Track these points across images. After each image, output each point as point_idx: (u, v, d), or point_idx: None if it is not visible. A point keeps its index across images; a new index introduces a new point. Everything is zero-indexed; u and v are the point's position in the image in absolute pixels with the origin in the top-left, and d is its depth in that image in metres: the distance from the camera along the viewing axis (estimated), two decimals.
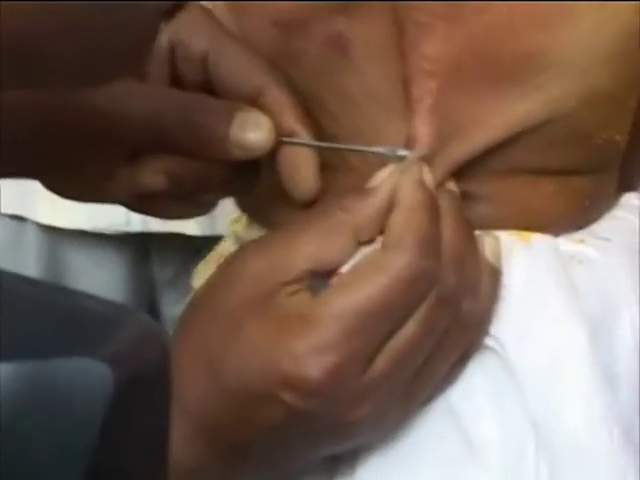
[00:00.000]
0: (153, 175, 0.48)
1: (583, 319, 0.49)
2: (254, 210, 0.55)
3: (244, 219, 0.56)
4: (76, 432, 0.24)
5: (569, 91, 0.47)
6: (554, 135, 0.49)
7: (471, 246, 0.47)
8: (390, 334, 0.45)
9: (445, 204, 0.47)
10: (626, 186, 0.54)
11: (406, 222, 0.45)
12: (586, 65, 0.47)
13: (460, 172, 0.48)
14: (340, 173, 0.50)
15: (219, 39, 0.49)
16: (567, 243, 0.52)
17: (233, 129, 0.47)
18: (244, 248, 0.48)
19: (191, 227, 0.98)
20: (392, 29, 0.46)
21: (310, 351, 0.43)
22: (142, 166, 0.49)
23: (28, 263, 1.02)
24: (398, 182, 0.46)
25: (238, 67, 0.48)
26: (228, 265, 0.48)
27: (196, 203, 0.52)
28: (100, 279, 1.02)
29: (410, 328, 0.45)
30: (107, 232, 1.00)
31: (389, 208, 0.46)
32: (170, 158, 0.48)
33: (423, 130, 0.47)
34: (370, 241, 0.46)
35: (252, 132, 0.47)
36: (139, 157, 0.48)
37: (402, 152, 0.47)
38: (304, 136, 0.48)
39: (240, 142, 0.47)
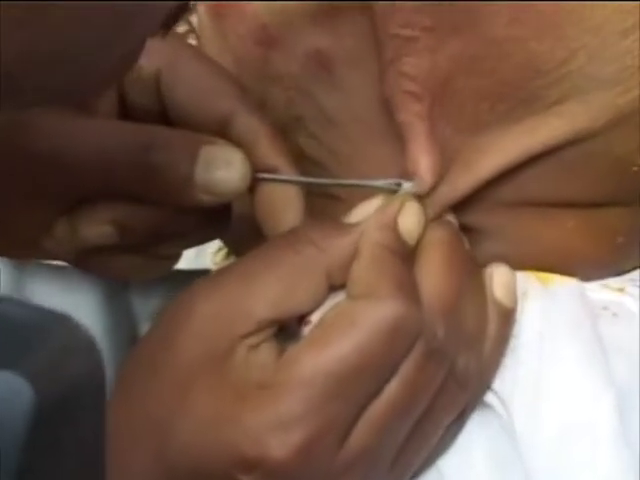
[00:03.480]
0: (99, 226, 0.41)
1: (609, 384, 0.40)
2: (232, 243, 0.48)
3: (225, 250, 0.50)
4: None
5: (594, 108, 0.39)
6: (575, 161, 0.41)
7: (469, 286, 0.40)
8: (369, 399, 0.37)
9: (436, 238, 0.40)
10: None
11: (373, 268, 0.38)
12: (614, 77, 0.39)
13: (462, 204, 0.41)
14: (325, 201, 0.44)
15: (174, 55, 0.41)
16: (600, 290, 0.43)
17: (198, 168, 0.39)
18: (192, 290, 0.39)
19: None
20: (373, 44, 0.40)
21: (273, 426, 0.36)
22: (85, 216, 0.41)
23: None
24: (365, 223, 0.39)
25: (199, 90, 0.41)
26: (173, 312, 0.39)
27: (156, 256, 0.44)
28: (73, 309, 0.95)
29: (393, 390, 0.38)
30: None
31: None
32: (120, 205, 0.41)
33: (422, 160, 0.40)
34: (343, 286, 0.39)
35: (222, 171, 0.39)
36: (81, 205, 0.41)
37: (404, 185, 0.41)
38: (285, 171, 0.41)
39: (207, 184, 0.39)
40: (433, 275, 0.39)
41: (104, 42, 0.26)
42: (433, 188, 0.40)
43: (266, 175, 0.41)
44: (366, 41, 0.40)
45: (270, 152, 0.41)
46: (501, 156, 0.40)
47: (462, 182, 0.41)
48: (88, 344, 0.25)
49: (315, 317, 0.38)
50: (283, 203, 0.41)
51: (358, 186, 0.41)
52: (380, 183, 0.40)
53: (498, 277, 0.41)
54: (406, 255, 0.39)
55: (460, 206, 0.41)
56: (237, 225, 0.44)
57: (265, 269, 0.38)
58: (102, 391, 0.25)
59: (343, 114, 0.42)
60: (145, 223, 0.41)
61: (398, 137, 0.40)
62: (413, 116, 0.39)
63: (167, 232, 0.42)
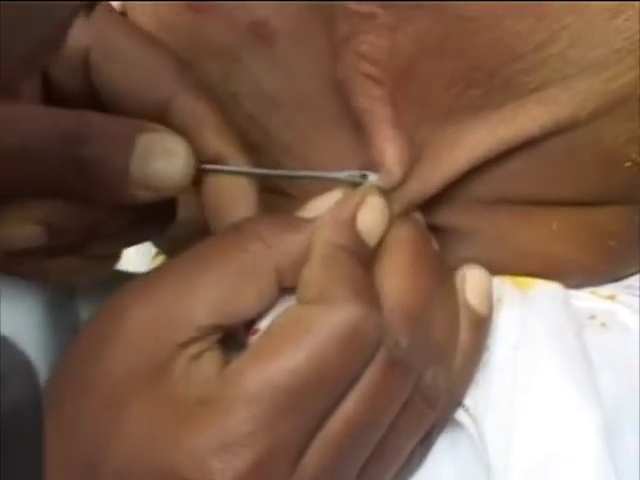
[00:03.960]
0: (26, 227, 0.36)
1: (595, 403, 0.36)
2: (173, 245, 0.44)
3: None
4: None
5: (578, 96, 0.36)
6: (558, 154, 0.37)
7: (438, 290, 0.36)
8: (325, 416, 0.34)
9: (400, 237, 0.36)
10: None
11: (327, 269, 0.34)
12: (601, 61, 0.35)
13: (431, 201, 0.37)
14: (275, 197, 0.40)
15: (103, 30, 0.37)
16: (588, 298, 0.39)
17: (135, 160, 0.35)
18: (123, 294, 0.35)
19: (125, 261, 0.87)
20: (323, 18, 0.36)
21: (217, 448, 0.32)
22: (9, 216, 0.37)
23: None
24: (318, 220, 0.35)
25: (133, 69, 0.37)
26: (102, 319, 0.35)
27: (93, 256, 0.39)
28: (8, 326, 0.91)
29: (351, 406, 0.34)
30: None
31: None
32: (48, 203, 0.37)
33: (388, 149, 0.36)
34: (295, 288, 0.35)
35: (162, 162, 0.35)
36: (4, 204, 0.37)
37: (370, 177, 0.37)
38: (234, 160, 0.37)
39: (146, 178, 0.35)
40: (395, 277, 0.35)
41: (14, 22, 0.23)
42: (401, 182, 0.37)
43: (213, 166, 0.37)
44: (315, 13, 0.36)
45: (217, 139, 0.37)
46: (475, 148, 0.37)
47: (431, 176, 0.37)
48: (24, 368, 0.23)
49: (264, 324, 0.35)
50: (233, 198, 0.37)
51: (317, 178, 0.37)
52: (342, 175, 0.37)
53: (471, 280, 0.37)
54: (365, 256, 0.36)
55: (429, 203, 0.38)
56: (180, 224, 0.40)
57: (206, 268, 0.34)
58: (40, 417, 0.23)
59: (286, 96, 0.38)
60: (77, 222, 0.37)
61: (354, 125, 0.37)
62: (374, 101, 0.36)
63: (103, 231, 0.38)
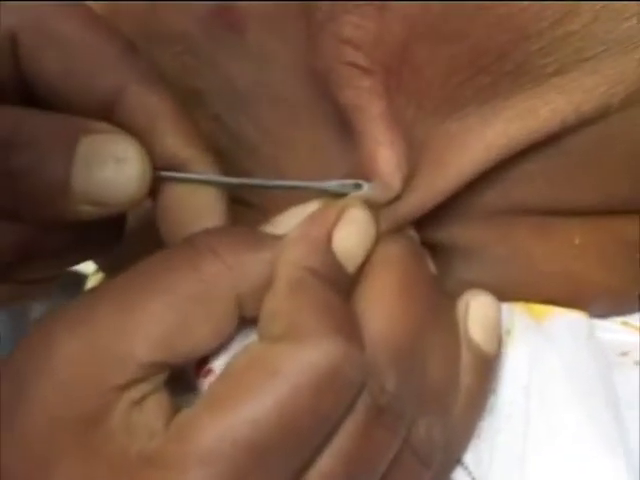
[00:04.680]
0: None
1: (625, 463, 0.30)
2: (110, 266, 0.39)
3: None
4: None
5: (607, 80, 0.31)
6: (582, 152, 0.32)
7: (433, 322, 0.31)
8: (296, 477, 0.29)
9: (386, 257, 0.31)
10: None
11: (293, 299, 0.30)
12: (637, 33, 0.30)
13: (427, 213, 0.33)
14: (239, 209, 0.34)
15: (37, 11, 0.32)
16: (618, 330, 0.34)
17: (76, 169, 0.30)
18: (51, 323, 0.30)
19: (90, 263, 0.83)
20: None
21: None
22: None
23: None
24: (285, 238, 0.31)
25: (74, 56, 0.32)
26: (26, 354, 0.30)
27: (24, 281, 0.35)
28: None
29: (327, 463, 0.29)
30: None
31: None
32: None
33: (382, 154, 0.31)
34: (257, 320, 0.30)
35: (109, 170, 0.31)
36: None
37: (364, 187, 0.31)
38: (199, 166, 0.32)
39: (90, 191, 0.30)
40: (380, 306, 0.31)
41: None
42: (399, 194, 0.32)
43: (173, 173, 0.32)
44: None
45: (178, 140, 0.32)
46: (484, 149, 0.32)
47: (431, 186, 0.32)
48: None
49: (219, 363, 0.30)
50: (198, 212, 0.32)
51: (299, 189, 0.32)
52: (331, 185, 0.32)
53: (476, 310, 0.32)
54: (342, 282, 0.30)
55: (426, 216, 0.33)
56: (130, 242, 0.35)
57: (150, 292, 0.30)
58: None
59: (256, 91, 0.33)
60: (6, 243, 0.33)
61: (337, 125, 0.32)
62: (362, 95, 0.31)
63: (36, 253, 0.33)
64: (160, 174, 0.32)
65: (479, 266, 0.34)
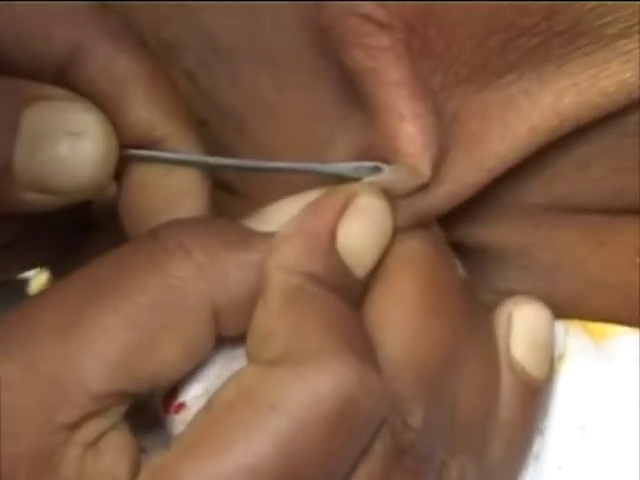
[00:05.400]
0: None
1: None
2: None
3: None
4: None
5: None
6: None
7: (466, 338, 0.26)
8: None
9: (405, 257, 0.27)
10: None
11: (289, 313, 0.25)
12: None
13: (457, 209, 0.28)
14: (222, 196, 0.30)
15: None
16: None
17: (21, 147, 0.26)
18: None
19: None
20: None
21: None
22: None
23: None
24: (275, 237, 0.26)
25: (20, 7, 0.27)
26: None
27: None
28: None
29: None
30: None
31: None
32: None
33: (407, 132, 0.26)
34: (241, 337, 0.26)
35: (64, 148, 0.26)
36: None
37: (385, 170, 0.26)
38: (178, 143, 0.28)
39: (39, 174, 0.26)
40: (399, 320, 0.26)
41: None
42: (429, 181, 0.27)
43: (144, 152, 0.27)
44: None
45: (152, 112, 0.28)
46: (529, 127, 0.27)
47: (463, 172, 0.27)
48: None
49: (193, 395, 0.26)
50: (173, 200, 0.28)
51: (299, 172, 0.27)
52: (340, 168, 0.27)
53: (521, 322, 0.28)
54: (351, 290, 0.26)
55: (453, 211, 0.28)
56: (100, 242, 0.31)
57: (103, 301, 0.25)
58: None
59: (243, 48, 0.28)
60: None
61: (345, 93, 0.27)
62: (379, 57, 0.26)
63: None
64: (128, 152, 0.27)
65: (517, 274, 0.30)
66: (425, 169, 0.26)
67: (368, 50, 0.26)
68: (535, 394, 0.28)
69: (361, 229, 0.26)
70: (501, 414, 0.27)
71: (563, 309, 0.29)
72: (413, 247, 0.27)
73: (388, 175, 0.26)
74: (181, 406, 0.26)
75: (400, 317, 0.26)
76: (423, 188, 0.27)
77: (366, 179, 0.26)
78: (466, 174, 0.27)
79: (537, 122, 0.27)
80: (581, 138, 0.28)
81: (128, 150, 0.27)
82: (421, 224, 0.27)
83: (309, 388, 0.24)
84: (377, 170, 0.26)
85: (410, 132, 0.26)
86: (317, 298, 0.25)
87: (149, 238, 0.26)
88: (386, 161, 0.26)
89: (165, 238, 0.25)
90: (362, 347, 0.24)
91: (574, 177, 0.28)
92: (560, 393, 0.28)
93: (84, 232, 0.31)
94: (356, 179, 0.26)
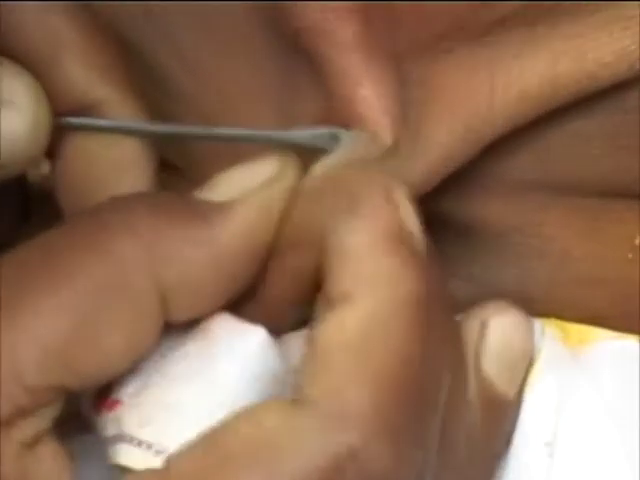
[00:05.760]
0: None
1: None
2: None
3: None
4: None
5: None
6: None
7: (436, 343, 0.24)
8: None
9: (354, 244, 0.24)
10: None
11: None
12: None
13: (444, 184, 0.27)
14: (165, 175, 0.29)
15: None
16: None
17: None
18: None
19: None
20: None
21: None
22: None
23: None
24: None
25: None
26: None
27: None
28: None
29: None
30: None
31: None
32: None
33: (363, 97, 0.25)
34: (191, 324, 0.25)
35: None
36: None
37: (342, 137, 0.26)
38: (120, 108, 0.27)
39: None
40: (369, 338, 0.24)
41: None
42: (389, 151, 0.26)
43: (81, 120, 0.27)
44: None
45: (88, 75, 0.27)
46: (517, 94, 0.26)
47: (440, 145, 0.26)
48: None
49: (130, 391, 0.24)
50: (113, 172, 0.27)
51: (252, 140, 0.27)
52: (296, 135, 0.26)
53: (496, 334, 0.26)
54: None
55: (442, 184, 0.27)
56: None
57: (38, 285, 0.24)
58: None
59: (175, 13, 0.28)
60: None
61: (295, 53, 0.26)
62: (328, 15, 0.25)
63: None
64: (63, 121, 0.27)
65: (500, 260, 0.28)
66: (386, 134, 0.25)
67: (316, 10, 0.25)
68: (502, 408, 0.26)
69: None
70: (465, 421, 0.25)
71: (540, 305, 0.28)
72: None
73: (348, 142, 0.25)
74: (115, 403, 0.25)
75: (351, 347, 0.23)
76: (394, 163, 0.25)
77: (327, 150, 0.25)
78: (442, 149, 0.26)
79: (528, 87, 0.26)
80: (580, 112, 0.26)
81: (63, 118, 0.26)
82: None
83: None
84: (335, 137, 0.26)
85: (367, 96, 0.25)
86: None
87: (89, 216, 0.25)
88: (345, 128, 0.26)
89: (107, 215, 0.24)
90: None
91: (570, 152, 0.27)
92: (529, 405, 0.25)
93: (21, 221, 0.30)
94: (313, 147, 0.26)
